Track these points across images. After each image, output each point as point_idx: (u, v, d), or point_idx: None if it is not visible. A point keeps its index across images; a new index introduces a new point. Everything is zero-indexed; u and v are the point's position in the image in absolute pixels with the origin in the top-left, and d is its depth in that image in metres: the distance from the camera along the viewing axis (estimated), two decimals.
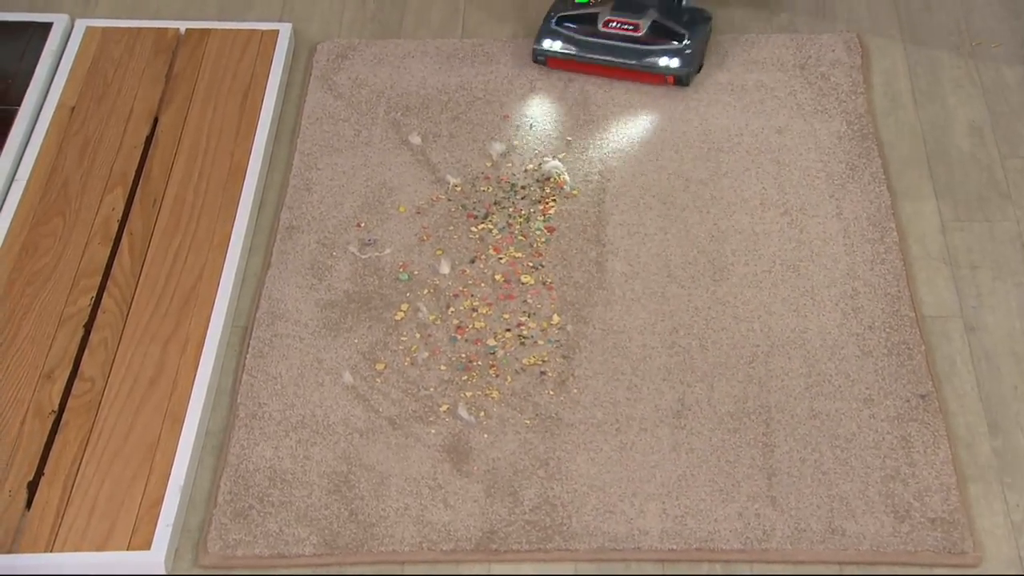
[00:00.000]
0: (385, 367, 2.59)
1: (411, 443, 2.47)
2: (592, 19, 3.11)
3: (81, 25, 3.25)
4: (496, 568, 2.32)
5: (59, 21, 3.24)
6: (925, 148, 2.94)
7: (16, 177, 2.88)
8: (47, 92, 3.08)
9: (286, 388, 2.56)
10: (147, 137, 2.98)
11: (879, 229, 2.77)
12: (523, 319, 2.66)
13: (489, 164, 2.94)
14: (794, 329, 2.61)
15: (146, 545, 2.30)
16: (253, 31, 3.23)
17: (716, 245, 2.77)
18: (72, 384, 2.53)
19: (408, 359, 2.61)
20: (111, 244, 2.76)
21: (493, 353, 2.61)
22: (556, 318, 2.66)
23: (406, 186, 2.92)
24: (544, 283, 2.71)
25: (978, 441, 2.46)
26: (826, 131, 2.97)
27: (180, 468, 2.40)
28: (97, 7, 3.34)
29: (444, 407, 2.53)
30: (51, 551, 2.29)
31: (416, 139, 3.01)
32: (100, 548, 2.29)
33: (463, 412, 2.51)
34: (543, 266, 2.74)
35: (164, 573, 2.30)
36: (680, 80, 3.06)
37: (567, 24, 3.12)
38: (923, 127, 2.98)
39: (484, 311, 2.67)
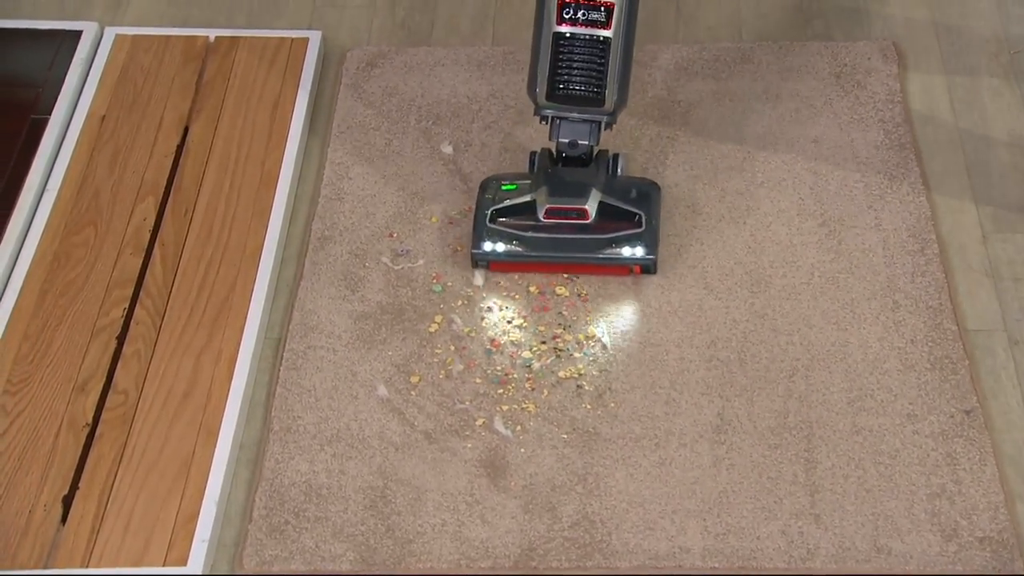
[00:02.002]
0: (420, 380, 2.57)
1: (447, 457, 2.45)
2: (530, 208, 2.69)
3: (110, 33, 3.23)
4: None
5: (88, 29, 3.22)
6: (964, 158, 2.90)
7: (48, 187, 2.86)
8: (77, 101, 3.06)
9: (320, 401, 2.54)
10: (178, 146, 2.96)
11: (919, 240, 2.74)
12: (558, 331, 2.63)
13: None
14: (834, 343, 2.58)
15: (182, 561, 2.27)
16: (283, 39, 3.21)
17: (753, 257, 2.74)
18: (106, 397, 2.50)
19: (443, 372, 2.58)
20: (143, 254, 2.74)
21: (529, 366, 2.58)
22: (592, 331, 2.63)
23: (438, 196, 2.89)
24: (579, 295, 2.69)
25: None
26: (863, 140, 2.94)
27: (215, 482, 2.38)
28: (126, 15, 3.32)
29: (480, 421, 2.50)
30: (87, 567, 2.26)
31: (448, 148, 2.99)
32: (136, 564, 2.27)
33: (499, 426, 2.49)
34: (578, 278, 2.71)
35: None
36: (647, 269, 2.69)
37: (503, 219, 2.70)
38: (962, 136, 2.95)
39: (519, 323, 2.65)
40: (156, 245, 2.76)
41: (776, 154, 2.92)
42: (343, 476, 2.43)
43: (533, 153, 2.78)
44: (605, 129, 2.66)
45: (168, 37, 3.21)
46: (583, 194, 2.66)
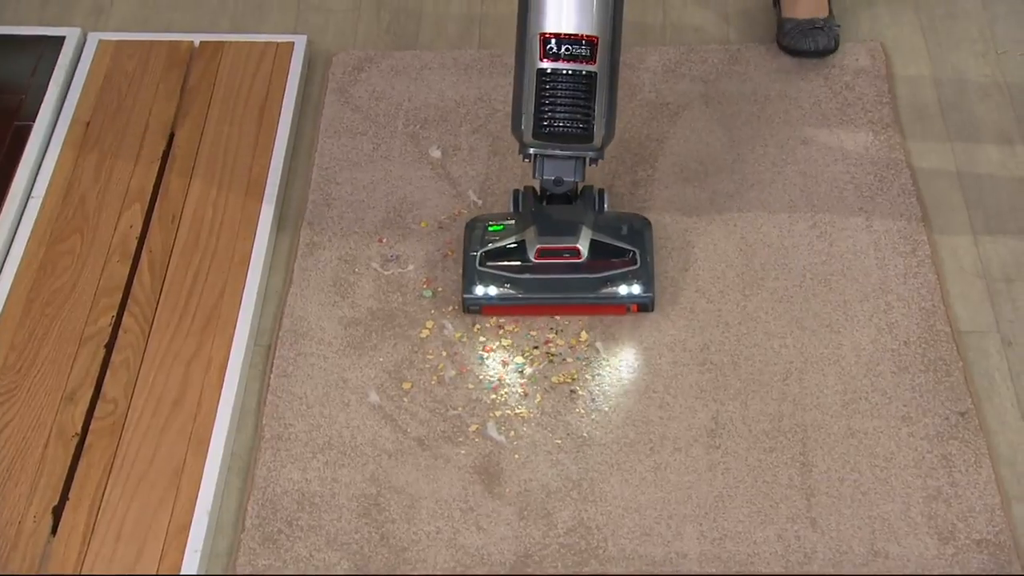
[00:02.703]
0: (412, 386, 2.55)
1: (441, 464, 2.43)
2: (520, 249, 2.62)
3: (93, 39, 3.20)
4: None
5: (71, 35, 3.19)
6: (954, 159, 2.90)
7: (32, 194, 2.84)
8: (61, 107, 3.04)
9: (311, 408, 2.52)
10: (163, 152, 2.94)
11: (910, 242, 2.73)
12: (551, 336, 2.62)
13: (512, 177, 2.89)
14: (828, 345, 2.57)
15: (175, 571, 2.25)
16: (268, 43, 3.19)
17: (744, 259, 2.73)
18: (95, 406, 2.48)
19: (435, 377, 2.56)
20: (130, 262, 2.71)
21: (521, 371, 2.57)
22: (584, 335, 2.61)
23: (427, 200, 2.88)
24: None
25: (1021, 459, 2.41)
26: (852, 142, 2.93)
27: (207, 492, 2.35)
28: (109, 21, 3.30)
29: (473, 427, 2.48)
30: None
31: (436, 152, 2.97)
32: (128, 574, 2.24)
33: (493, 432, 2.47)
34: None
35: None
36: (645, 308, 2.62)
37: (493, 262, 2.63)
38: (951, 137, 2.94)
39: (511, 328, 2.63)
40: (143, 252, 2.74)
41: (766, 156, 2.92)
42: (336, 484, 2.41)
43: (516, 191, 2.71)
44: (590, 165, 2.59)
45: (152, 42, 3.19)
46: (574, 232, 2.60)
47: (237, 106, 3.04)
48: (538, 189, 2.66)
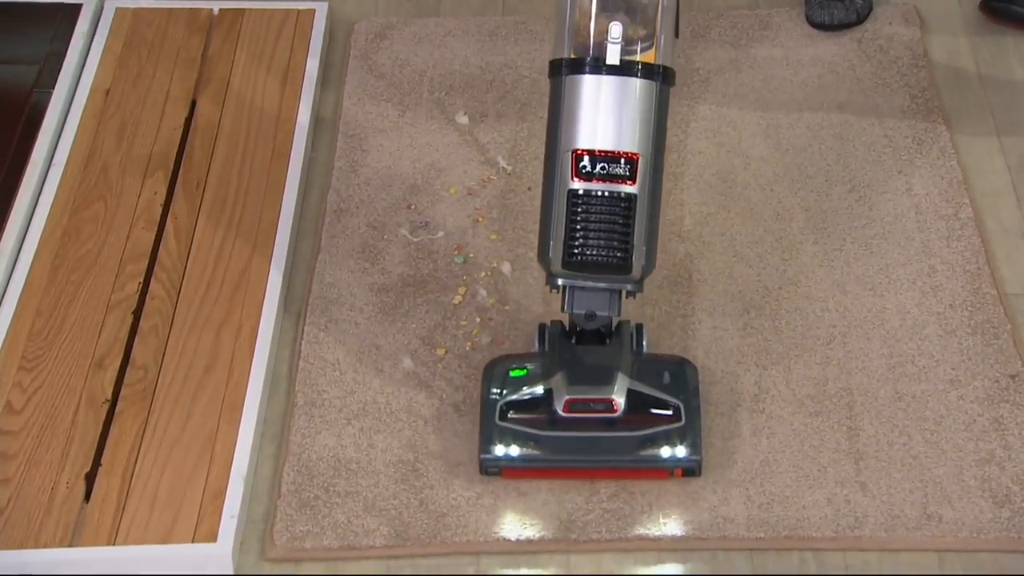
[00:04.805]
0: (446, 352, 2.50)
1: (478, 430, 2.37)
2: (546, 400, 2.27)
3: (111, 6, 3.15)
4: (575, 559, 2.21)
5: (88, 2, 3.14)
6: (994, 121, 2.85)
7: (54, 162, 2.78)
8: (80, 75, 2.99)
9: (345, 375, 2.46)
10: (186, 119, 2.88)
11: (952, 205, 2.68)
12: None
13: (541, 142, 2.83)
14: (871, 309, 2.52)
15: (212, 537, 2.19)
16: (288, 11, 3.14)
17: (782, 224, 2.68)
18: (124, 372, 2.43)
19: (469, 344, 2.51)
20: (155, 229, 2.66)
21: None
22: None
23: (455, 167, 2.83)
24: None
25: None
26: (888, 106, 2.89)
27: (241, 457, 2.30)
28: None
29: None
30: (114, 544, 2.18)
31: (463, 119, 2.92)
32: (164, 540, 2.19)
33: None
34: None
35: (232, 565, 2.19)
36: (691, 472, 2.27)
37: (515, 414, 2.29)
38: (990, 100, 2.89)
39: (545, 294, 2.57)
40: (168, 219, 2.68)
41: (800, 120, 2.86)
42: (372, 450, 2.35)
43: (543, 326, 2.38)
44: (627, 297, 2.28)
45: (171, 10, 3.14)
46: (608, 381, 2.26)
47: (259, 74, 2.98)
48: (567, 324, 2.38)
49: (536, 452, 2.25)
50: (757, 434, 2.35)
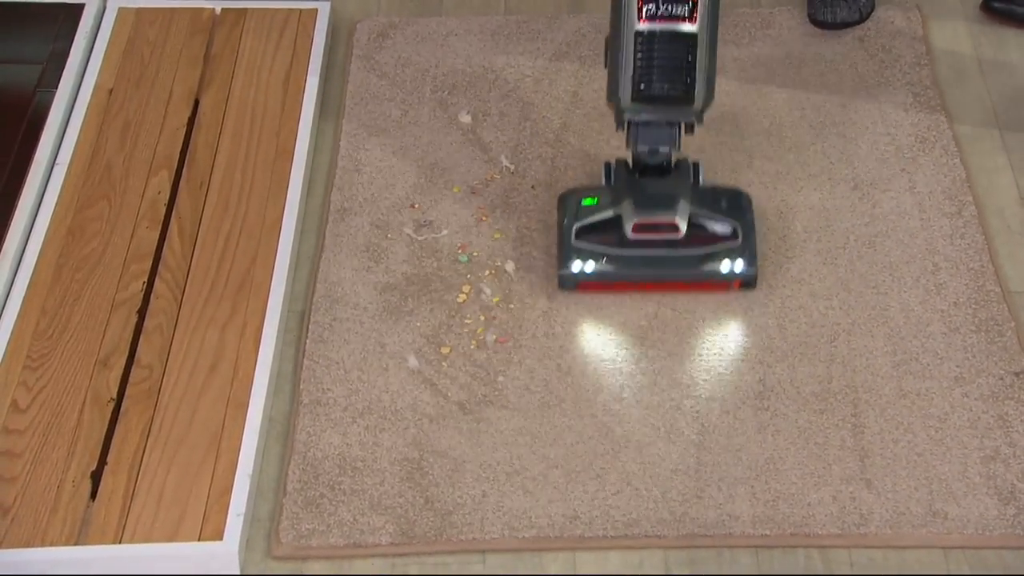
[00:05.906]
0: (451, 351, 2.50)
1: (483, 428, 2.38)
2: (615, 224, 2.51)
3: (113, 6, 3.15)
4: (581, 556, 2.22)
5: (90, 2, 3.14)
6: (996, 119, 2.85)
7: (57, 161, 2.78)
8: (83, 75, 2.99)
9: (349, 373, 2.46)
10: (189, 119, 2.89)
11: (955, 203, 2.68)
12: None
13: (544, 141, 2.84)
14: (875, 307, 2.52)
15: (218, 535, 2.20)
16: (291, 10, 3.14)
17: (785, 222, 2.68)
18: (129, 371, 2.43)
19: (474, 342, 2.51)
20: (160, 228, 2.66)
21: None
22: None
23: (458, 166, 2.83)
24: None
25: None
26: (891, 104, 2.89)
27: (247, 456, 2.30)
28: None
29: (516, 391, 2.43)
30: (120, 543, 2.18)
31: (466, 118, 2.92)
32: (170, 539, 2.19)
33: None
34: None
35: (238, 564, 2.19)
36: (748, 284, 2.53)
37: (589, 236, 2.52)
38: (992, 97, 2.90)
39: (550, 291, 2.58)
40: (172, 218, 2.69)
41: (803, 119, 2.87)
42: (377, 448, 2.35)
43: (608, 163, 2.59)
44: (686, 133, 2.46)
45: (173, 9, 3.14)
46: (672, 206, 2.48)
47: (262, 73, 2.98)
48: (630, 161, 2.55)
49: (608, 268, 2.48)
50: (762, 431, 2.35)
